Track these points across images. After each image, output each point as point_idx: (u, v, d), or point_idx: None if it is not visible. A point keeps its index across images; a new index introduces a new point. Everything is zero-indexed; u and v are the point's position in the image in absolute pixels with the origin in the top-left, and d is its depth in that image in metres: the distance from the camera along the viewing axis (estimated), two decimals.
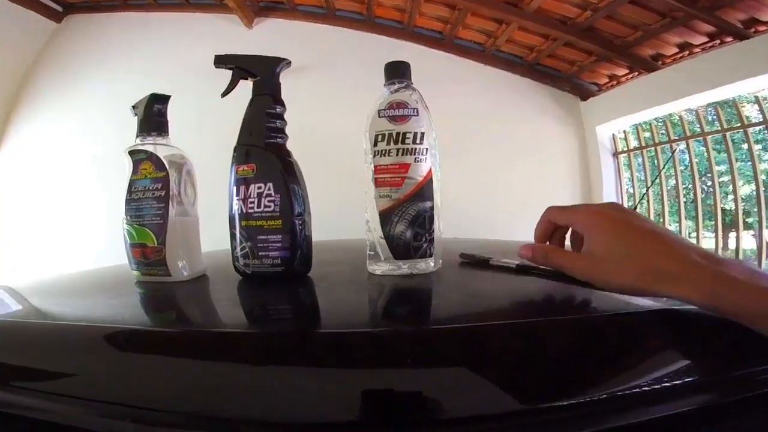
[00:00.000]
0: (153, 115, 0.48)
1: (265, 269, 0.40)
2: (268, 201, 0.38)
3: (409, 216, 0.39)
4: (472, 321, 0.28)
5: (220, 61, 0.45)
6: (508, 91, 3.24)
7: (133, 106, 0.50)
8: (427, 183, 0.40)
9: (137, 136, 0.48)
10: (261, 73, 0.44)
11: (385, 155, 0.40)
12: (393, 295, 0.37)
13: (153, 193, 0.44)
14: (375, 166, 0.41)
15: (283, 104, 0.42)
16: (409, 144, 0.40)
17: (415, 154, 0.40)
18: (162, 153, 0.46)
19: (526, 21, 2.70)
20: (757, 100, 2.43)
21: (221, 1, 2.96)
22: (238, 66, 0.44)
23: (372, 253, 0.42)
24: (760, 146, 4.37)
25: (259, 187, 0.38)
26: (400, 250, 0.40)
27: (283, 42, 3.16)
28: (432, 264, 0.41)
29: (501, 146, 3.16)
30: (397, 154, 0.40)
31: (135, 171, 0.45)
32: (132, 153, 0.46)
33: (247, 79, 0.44)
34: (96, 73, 3.20)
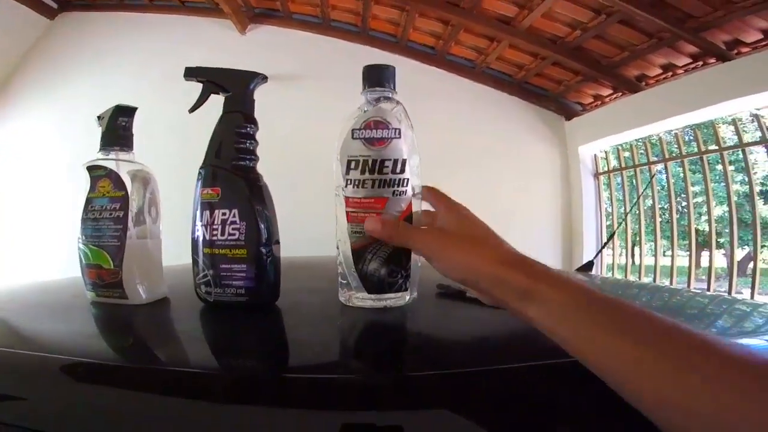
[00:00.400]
0: (117, 128, 0.45)
1: (228, 298, 0.37)
2: (233, 228, 0.35)
3: (384, 254, 0.34)
4: (445, 367, 0.27)
5: (191, 73, 0.42)
6: (496, 108, 3.30)
7: (99, 117, 0.47)
8: (405, 220, 0.35)
9: (99, 150, 0.45)
10: (233, 89, 0.41)
11: (358, 186, 0.34)
12: (363, 334, 0.35)
13: (110, 213, 0.41)
14: (347, 199, 0.35)
15: (255, 123, 0.40)
16: (387, 174, 0.34)
17: (393, 186, 0.34)
18: (124, 169, 0.43)
19: (517, 39, 2.75)
20: (733, 122, 2.52)
21: (217, 5, 2.93)
22: (209, 79, 0.41)
23: (344, 281, 0.37)
24: (732, 167, 4.54)
25: (224, 213, 0.36)
26: (373, 286, 0.35)
27: (276, 49, 3.15)
28: (407, 298, 0.37)
29: (487, 164, 3.20)
30: (372, 186, 0.34)
31: (92, 188, 0.42)
32: (90, 168, 0.43)
33: (218, 93, 0.41)
34: (84, 73, 3.16)
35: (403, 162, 0.34)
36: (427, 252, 0.32)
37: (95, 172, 0.43)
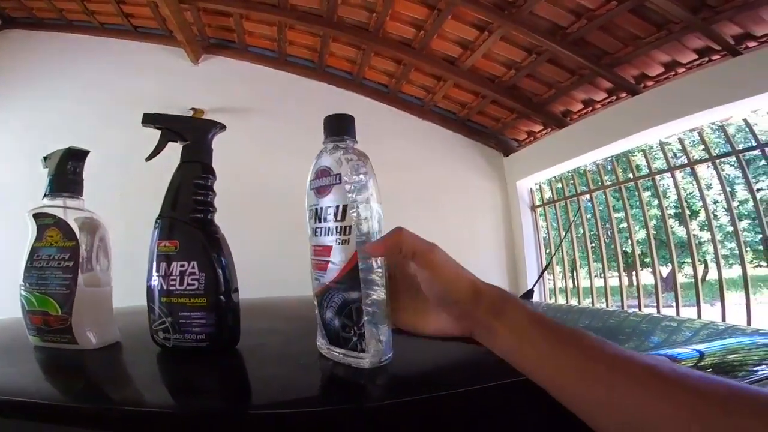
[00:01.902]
0: (67, 173, 0.44)
1: (187, 344, 0.38)
2: (192, 279, 0.36)
3: (335, 304, 0.34)
4: (403, 395, 0.29)
5: (148, 120, 0.42)
6: (442, 145, 3.49)
7: (45, 158, 0.46)
8: (351, 271, 0.32)
9: (45, 195, 0.44)
10: (191, 137, 0.41)
11: (314, 234, 0.35)
12: (324, 370, 0.37)
13: (59, 263, 0.40)
14: (310, 246, 0.36)
15: (213, 173, 0.41)
16: (330, 222, 0.33)
17: (336, 234, 0.33)
18: (72, 216, 0.42)
19: (460, 78, 2.97)
20: (644, 153, 2.87)
21: (170, 32, 2.89)
22: (167, 127, 0.42)
23: (322, 331, 0.36)
24: (648, 193, 5.10)
25: (182, 265, 0.37)
26: (331, 336, 0.35)
27: (229, 81, 3.12)
28: (366, 360, 0.33)
29: (435, 198, 3.34)
30: (319, 234, 0.34)
31: (39, 237, 0.41)
32: (37, 216, 0.42)
33: (176, 141, 0.42)
34: (21, 95, 2.91)
35: (343, 208, 0.32)
36: (430, 254, 0.33)
37: (42, 220, 0.42)
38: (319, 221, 0.34)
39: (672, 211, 6.67)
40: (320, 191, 0.34)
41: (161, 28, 3.05)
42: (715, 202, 6.48)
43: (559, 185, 3.38)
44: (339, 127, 0.35)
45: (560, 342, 0.28)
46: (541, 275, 2.20)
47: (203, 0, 2.73)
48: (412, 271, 0.35)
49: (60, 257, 0.40)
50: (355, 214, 0.32)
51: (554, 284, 3.43)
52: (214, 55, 3.17)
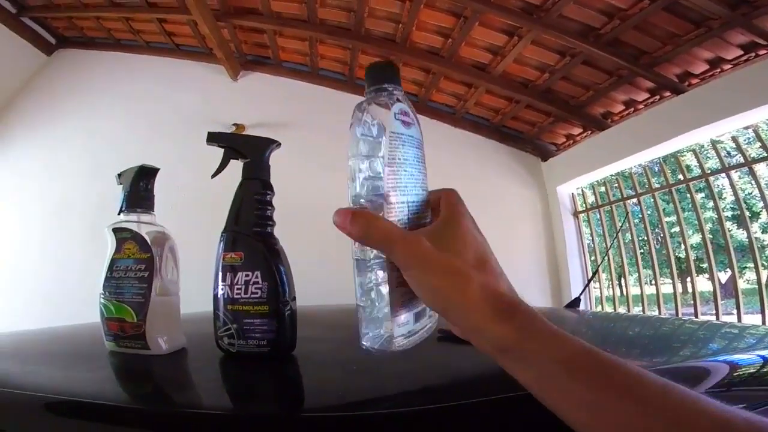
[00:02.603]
0: (140, 189, 0.48)
1: (250, 349, 0.40)
2: (255, 288, 0.39)
3: None
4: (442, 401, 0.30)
5: (213, 138, 0.45)
6: (476, 153, 3.43)
7: (119, 175, 0.50)
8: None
9: (121, 211, 0.48)
10: (251, 155, 0.44)
11: None
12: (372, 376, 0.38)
13: (136, 274, 0.44)
14: None
15: (272, 189, 0.44)
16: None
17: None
18: (145, 230, 0.47)
19: (492, 84, 2.94)
20: (694, 153, 2.70)
21: (210, 50, 3.07)
22: (229, 146, 0.45)
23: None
24: (702, 194, 4.77)
25: (247, 275, 0.39)
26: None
27: (266, 97, 3.26)
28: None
29: (471, 207, 3.28)
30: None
31: (118, 250, 0.45)
32: (116, 230, 0.46)
33: (237, 159, 0.45)
34: (74, 112, 3.18)
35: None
36: (402, 261, 0.26)
37: (120, 234, 0.46)
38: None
39: (729, 213, 6.20)
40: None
41: (201, 46, 3.23)
42: None
43: (603, 189, 3.24)
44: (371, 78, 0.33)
45: (592, 388, 0.23)
46: (588, 284, 2.10)
47: (238, 18, 2.89)
48: None
49: (137, 268, 0.44)
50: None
51: (601, 292, 3.27)
52: (252, 71, 3.32)
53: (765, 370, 0.43)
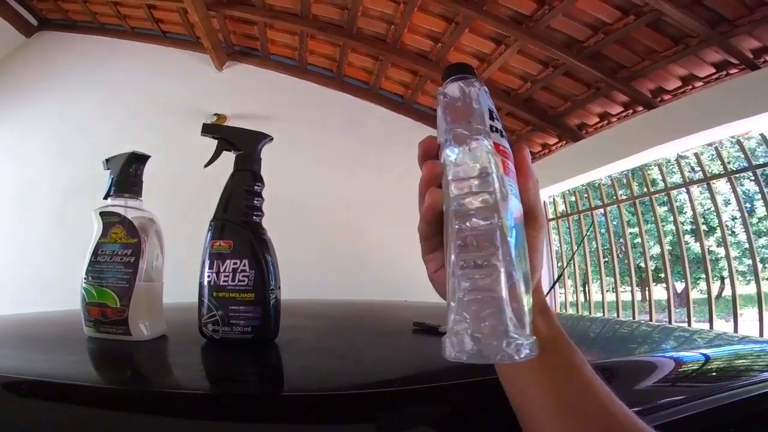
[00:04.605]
0: (129, 175, 0.48)
1: (234, 336, 0.42)
2: (243, 276, 0.41)
3: None
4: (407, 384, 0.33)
5: (207, 130, 0.46)
6: None
7: (107, 160, 0.49)
8: None
9: (109, 195, 0.47)
10: (244, 147, 0.46)
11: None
12: (353, 361, 0.40)
13: (122, 258, 0.44)
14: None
15: (262, 181, 0.46)
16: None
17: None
18: (132, 215, 0.47)
19: None
20: (659, 167, 2.86)
21: (198, 39, 3.00)
22: (223, 137, 0.46)
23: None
24: (665, 208, 5.03)
25: (235, 263, 0.41)
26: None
27: (251, 88, 3.21)
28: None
29: None
30: None
31: (104, 234, 0.45)
32: (103, 214, 0.46)
33: (230, 150, 0.46)
34: (49, 95, 3.05)
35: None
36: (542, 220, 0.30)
37: (108, 218, 0.46)
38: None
39: (688, 227, 6.56)
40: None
41: (189, 35, 3.16)
42: (734, 218, 6.35)
43: (573, 198, 3.38)
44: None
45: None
46: (551, 288, 2.20)
47: (230, 8, 2.84)
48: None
49: (123, 253, 0.44)
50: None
51: (566, 298, 3.40)
52: (238, 63, 3.27)
53: (707, 367, 0.48)
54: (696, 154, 2.69)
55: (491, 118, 0.29)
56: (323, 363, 0.39)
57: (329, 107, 3.21)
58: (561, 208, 3.48)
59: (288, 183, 2.79)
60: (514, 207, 0.26)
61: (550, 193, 3.51)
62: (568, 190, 3.43)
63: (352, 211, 2.99)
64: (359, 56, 3.08)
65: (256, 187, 0.45)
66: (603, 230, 3.34)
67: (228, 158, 0.47)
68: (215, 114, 2.92)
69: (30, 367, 0.36)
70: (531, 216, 0.28)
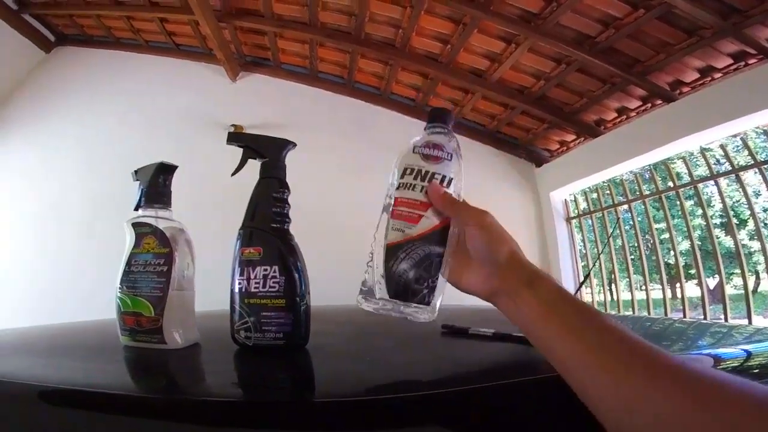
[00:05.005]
0: (158, 185, 0.49)
1: (266, 342, 0.42)
2: (273, 282, 0.41)
3: (416, 256, 0.37)
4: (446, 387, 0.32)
5: (232, 139, 0.47)
6: (472, 157, 3.47)
7: (135, 171, 0.50)
8: (442, 228, 0.38)
9: (139, 206, 0.49)
10: (269, 155, 0.46)
11: (408, 189, 0.39)
12: (384, 365, 0.40)
13: (155, 268, 0.45)
14: (396, 198, 0.40)
15: (288, 188, 0.46)
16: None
17: None
18: (163, 225, 0.48)
19: (488, 90, 2.98)
20: (684, 160, 2.76)
21: (210, 51, 3.07)
22: (248, 146, 0.47)
23: (365, 289, 0.39)
24: (692, 201, 4.86)
25: (265, 270, 0.41)
26: (399, 288, 0.37)
27: (265, 98, 3.27)
28: (425, 315, 0.38)
29: None
30: (421, 191, 0.39)
31: (137, 244, 0.47)
32: (135, 225, 0.48)
33: (255, 159, 0.47)
34: (72, 109, 3.16)
35: (450, 180, 0.40)
36: (475, 220, 0.38)
37: (140, 228, 0.47)
38: (423, 180, 0.40)
39: (718, 221, 6.32)
40: (430, 159, 0.40)
41: (201, 47, 3.25)
42: (765, 209, 6.09)
43: (595, 195, 3.30)
44: (445, 118, 0.43)
45: (587, 319, 0.29)
46: (579, 288, 2.14)
47: (240, 19, 2.91)
48: (462, 231, 0.39)
49: (156, 263, 0.45)
50: (453, 189, 0.40)
51: (592, 297, 3.32)
52: (251, 73, 3.33)
53: (748, 364, 0.46)
54: (722, 146, 2.60)
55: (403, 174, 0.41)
56: (356, 368, 0.39)
57: (341, 113, 3.24)
58: (583, 205, 3.40)
59: (305, 190, 2.80)
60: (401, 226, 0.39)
61: (570, 191, 3.44)
62: (589, 187, 3.35)
63: (371, 217, 2.98)
64: (369, 62, 3.11)
65: (282, 194, 0.45)
66: (628, 227, 3.24)
67: (247, 166, 0.47)
68: (232, 125, 2.99)
69: (69, 377, 0.37)
70: (454, 220, 0.39)
